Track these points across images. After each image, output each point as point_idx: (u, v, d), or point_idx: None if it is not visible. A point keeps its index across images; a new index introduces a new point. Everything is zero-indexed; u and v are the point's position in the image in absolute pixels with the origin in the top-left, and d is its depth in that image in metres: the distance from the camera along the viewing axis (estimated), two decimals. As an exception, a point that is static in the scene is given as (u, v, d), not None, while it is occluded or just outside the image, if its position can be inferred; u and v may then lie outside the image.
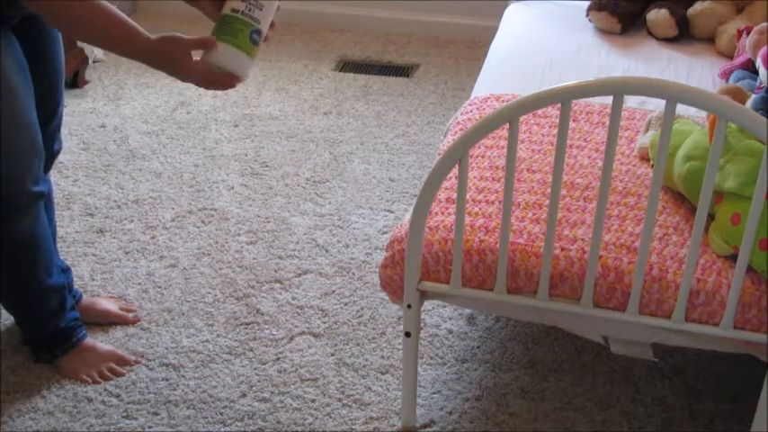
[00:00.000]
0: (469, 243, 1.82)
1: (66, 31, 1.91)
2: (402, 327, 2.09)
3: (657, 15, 2.81)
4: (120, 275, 2.52)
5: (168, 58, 1.69)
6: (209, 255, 2.61)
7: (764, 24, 2.40)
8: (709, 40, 2.81)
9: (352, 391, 2.14)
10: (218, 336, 2.30)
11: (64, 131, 2.51)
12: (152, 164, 3.07)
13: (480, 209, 1.90)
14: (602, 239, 1.79)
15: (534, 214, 1.89)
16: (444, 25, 4.05)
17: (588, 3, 2.93)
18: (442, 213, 1.89)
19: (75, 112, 3.39)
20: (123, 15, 1.68)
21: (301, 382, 2.16)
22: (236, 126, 3.32)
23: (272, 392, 2.13)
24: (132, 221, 2.76)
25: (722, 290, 1.72)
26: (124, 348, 2.26)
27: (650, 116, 2.16)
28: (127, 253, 2.61)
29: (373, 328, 2.33)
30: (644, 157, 2.09)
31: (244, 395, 2.12)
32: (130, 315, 2.36)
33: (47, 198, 2.10)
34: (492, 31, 3.01)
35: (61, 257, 2.38)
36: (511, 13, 3.10)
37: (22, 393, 2.12)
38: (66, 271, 2.26)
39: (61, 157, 2.94)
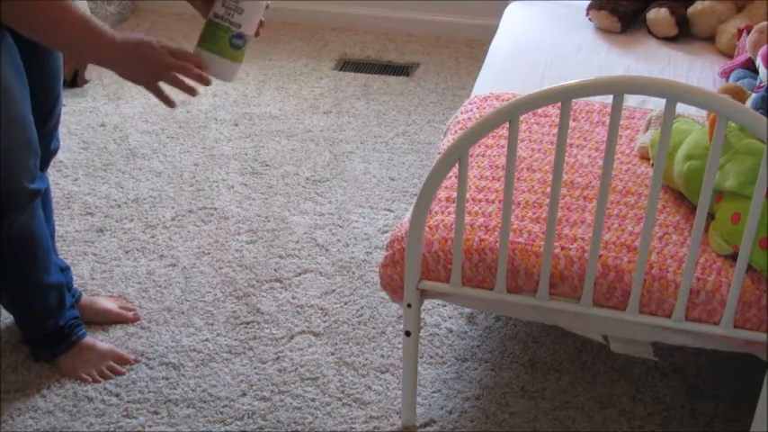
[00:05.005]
0: (469, 242, 1.82)
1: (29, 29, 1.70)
2: (402, 326, 2.09)
3: (657, 14, 2.81)
4: (120, 274, 2.52)
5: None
6: (209, 254, 2.61)
7: (764, 23, 2.40)
8: (710, 39, 2.81)
9: (352, 390, 2.14)
10: (217, 335, 2.30)
11: (63, 131, 2.52)
12: (152, 163, 3.07)
13: (480, 208, 1.90)
14: (602, 238, 1.79)
15: (534, 213, 1.89)
16: (444, 24, 4.05)
17: (588, 2, 2.92)
18: (442, 212, 1.89)
19: (75, 111, 3.39)
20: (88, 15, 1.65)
21: (301, 381, 2.16)
22: (236, 125, 3.32)
23: (271, 391, 2.13)
24: (132, 220, 2.75)
25: (722, 289, 1.72)
26: (124, 347, 2.26)
27: (650, 115, 2.16)
28: (127, 252, 2.61)
29: (373, 328, 2.33)
30: (644, 157, 2.09)
31: (244, 394, 2.12)
32: (130, 314, 2.36)
33: (44, 196, 2.10)
34: (492, 31, 3.01)
35: (61, 256, 2.38)
36: (511, 12, 3.09)
37: (21, 392, 2.12)
38: (65, 270, 2.26)
39: (61, 156, 2.95)
